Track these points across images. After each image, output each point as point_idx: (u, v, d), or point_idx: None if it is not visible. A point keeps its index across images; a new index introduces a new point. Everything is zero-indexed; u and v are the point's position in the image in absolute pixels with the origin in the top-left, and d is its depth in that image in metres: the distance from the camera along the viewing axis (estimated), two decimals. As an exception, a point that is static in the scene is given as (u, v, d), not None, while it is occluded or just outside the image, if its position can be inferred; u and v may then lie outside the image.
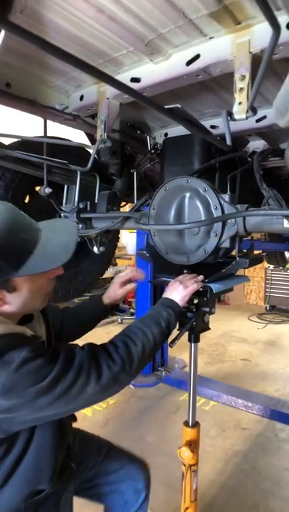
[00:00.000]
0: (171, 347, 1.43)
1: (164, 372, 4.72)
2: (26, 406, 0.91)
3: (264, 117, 1.76)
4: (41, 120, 1.71)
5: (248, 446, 3.27)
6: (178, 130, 2.13)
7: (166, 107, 0.97)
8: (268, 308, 8.48)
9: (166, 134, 2.19)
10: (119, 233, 2.86)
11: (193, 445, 1.64)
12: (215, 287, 1.50)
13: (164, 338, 1.24)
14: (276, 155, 2.20)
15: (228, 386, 4.31)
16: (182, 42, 1.21)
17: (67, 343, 1.12)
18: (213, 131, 1.95)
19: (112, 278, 7.59)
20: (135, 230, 5.12)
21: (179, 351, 5.44)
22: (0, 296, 0.97)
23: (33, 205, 2.22)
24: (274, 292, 8.34)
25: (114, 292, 1.57)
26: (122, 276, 1.59)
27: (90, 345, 1.08)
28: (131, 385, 4.44)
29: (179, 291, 1.36)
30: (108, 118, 1.54)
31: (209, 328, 1.67)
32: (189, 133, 1.98)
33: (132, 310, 7.31)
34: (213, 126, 1.96)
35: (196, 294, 1.45)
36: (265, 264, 8.08)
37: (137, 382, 4.48)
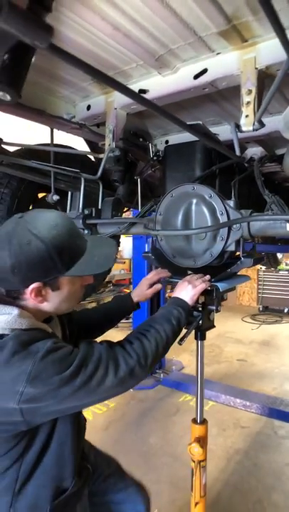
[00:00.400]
0: (180, 344, 1.48)
1: (162, 375, 4.77)
2: (50, 395, 0.94)
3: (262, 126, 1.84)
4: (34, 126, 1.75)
5: (248, 444, 3.34)
6: (178, 138, 2.20)
7: (188, 123, 1.03)
8: (260, 309, 8.61)
9: (166, 142, 2.25)
10: (120, 238, 2.91)
11: (202, 441, 1.70)
12: (221, 286, 1.56)
13: (175, 335, 1.28)
14: (272, 161, 2.28)
15: (226, 386, 4.39)
16: (190, 57, 1.28)
17: (86, 339, 1.16)
18: (214, 139, 2.01)
19: (107, 282, 7.59)
20: (131, 235, 5.19)
21: (176, 353, 5.51)
22: (43, 292, 1.04)
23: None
24: (266, 293, 8.48)
25: (142, 292, 1.64)
26: (150, 278, 1.65)
27: (107, 342, 1.13)
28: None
29: (188, 291, 1.41)
30: (116, 128, 1.60)
31: (214, 326, 1.74)
32: (190, 140, 2.05)
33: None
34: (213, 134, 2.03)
35: (204, 293, 1.52)
36: (257, 265, 8.21)
37: (136, 385, 4.52)
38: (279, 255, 5.90)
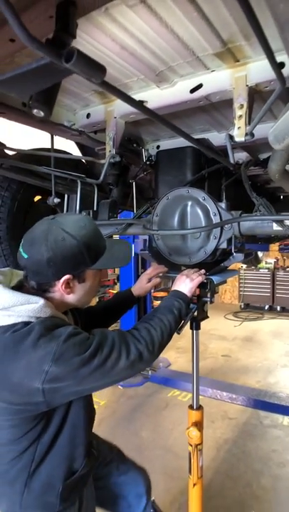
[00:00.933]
0: (178, 333, 1.59)
1: (150, 372, 4.90)
2: (71, 375, 1.04)
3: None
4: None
5: (236, 433, 3.50)
6: (169, 143, 2.33)
7: (195, 137, 1.16)
8: (242, 306, 8.87)
9: (158, 147, 2.38)
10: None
11: (198, 425, 1.83)
12: (215, 279, 1.70)
13: (177, 324, 1.38)
14: (256, 165, 2.45)
15: (212, 381, 4.55)
16: (188, 73, 1.42)
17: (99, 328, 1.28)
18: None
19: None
20: (118, 236, 5.29)
21: (163, 351, 5.63)
22: (72, 284, 1.17)
23: (32, 214, 2.35)
24: (247, 291, 8.74)
25: (142, 286, 1.75)
26: (149, 273, 1.77)
27: (118, 330, 1.23)
28: (120, 386, 4.59)
29: (186, 284, 1.53)
30: (116, 135, 1.72)
31: (208, 317, 1.87)
32: (181, 146, 2.19)
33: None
34: (201, 140, 2.17)
35: (199, 286, 1.65)
36: (239, 264, 8.46)
37: (125, 383, 4.63)
38: (260, 254, 6.12)
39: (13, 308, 1.09)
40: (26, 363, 1.03)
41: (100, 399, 4.24)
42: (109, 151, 1.73)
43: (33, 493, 1.19)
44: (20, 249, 1.15)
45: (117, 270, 8.80)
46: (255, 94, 1.39)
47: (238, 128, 1.35)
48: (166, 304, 1.43)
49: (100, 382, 1.11)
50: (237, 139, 1.36)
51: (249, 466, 3.02)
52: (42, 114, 0.93)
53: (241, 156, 2.40)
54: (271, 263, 8.78)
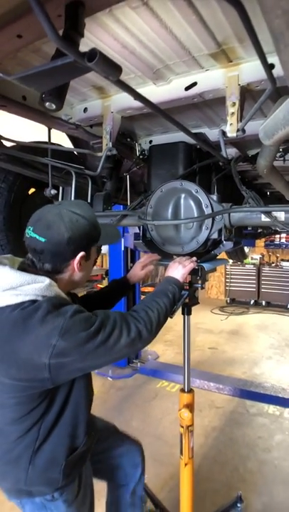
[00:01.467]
0: (171, 318, 1.65)
1: (139, 364, 5.00)
2: (76, 350, 1.10)
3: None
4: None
5: (223, 422, 3.63)
6: (161, 138, 2.40)
7: (192, 131, 1.24)
8: (228, 301, 9.04)
9: (150, 141, 2.45)
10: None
11: (190, 407, 1.92)
12: (206, 266, 1.80)
13: (171, 307, 1.46)
14: (245, 160, 2.55)
15: (200, 372, 4.67)
16: (183, 71, 1.49)
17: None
18: (194, 141, 2.23)
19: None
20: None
21: (151, 344, 5.73)
22: (81, 262, 1.26)
23: (27, 206, 2.40)
24: (233, 286, 8.92)
25: (137, 273, 1.83)
26: (143, 261, 1.85)
27: (118, 311, 1.31)
28: (109, 378, 4.67)
29: (179, 270, 1.60)
30: (113, 129, 1.78)
31: (198, 303, 1.96)
32: (173, 141, 2.27)
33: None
34: (194, 136, 2.25)
35: (191, 272, 1.74)
36: (224, 256, 8.59)
37: (114, 375, 4.72)
38: (246, 249, 6.27)
39: (20, 288, 1.15)
40: (34, 338, 1.09)
41: (90, 390, 4.31)
42: (106, 144, 1.79)
43: (37, 470, 1.25)
44: (34, 235, 1.20)
45: (105, 265, 8.86)
46: (247, 93, 1.47)
47: (230, 124, 1.43)
48: (161, 289, 1.51)
49: (102, 359, 1.18)
50: (229, 135, 1.44)
51: (236, 451, 3.15)
52: (54, 107, 0.99)
53: (231, 151, 2.49)
54: (257, 259, 8.97)
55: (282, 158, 2.47)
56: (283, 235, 8.76)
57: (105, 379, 4.65)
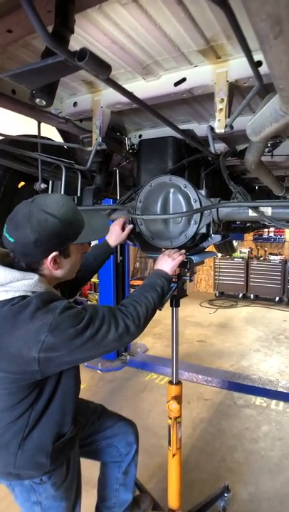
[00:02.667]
0: (160, 310, 1.68)
1: (128, 357, 5.04)
2: (65, 345, 1.12)
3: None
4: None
5: (211, 413, 3.70)
6: (150, 133, 2.41)
7: (180, 127, 1.25)
8: (217, 294, 9.13)
9: (140, 136, 2.46)
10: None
11: (178, 399, 1.96)
12: (194, 258, 1.83)
13: (160, 300, 1.48)
14: (234, 155, 2.57)
15: (188, 364, 4.73)
16: (172, 67, 1.50)
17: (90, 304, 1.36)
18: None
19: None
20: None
21: (140, 337, 5.78)
22: (58, 260, 1.25)
23: (17, 200, 2.39)
24: (222, 280, 9.01)
25: (118, 235, 1.85)
26: (119, 221, 1.87)
27: (107, 306, 1.31)
28: (98, 370, 4.70)
29: (168, 263, 1.62)
30: (102, 124, 1.79)
31: (187, 295, 1.99)
32: (162, 136, 2.28)
33: (89, 302, 7.50)
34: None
35: (180, 265, 1.76)
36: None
37: (103, 368, 4.75)
38: (235, 243, 6.34)
39: (10, 285, 1.17)
40: (24, 333, 1.12)
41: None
42: (96, 139, 1.80)
43: (25, 455, 1.30)
44: (6, 234, 1.21)
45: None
46: (235, 89, 1.49)
47: (219, 120, 1.45)
48: (150, 282, 1.53)
49: (90, 353, 1.20)
50: (217, 131, 1.46)
51: (223, 442, 3.21)
52: (44, 103, 1.00)
53: (220, 146, 2.51)
54: (245, 253, 9.07)
55: (270, 154, 2.51)
56: (271, 229, 8.86)
57: (95, 372, 4.69)
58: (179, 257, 1.66)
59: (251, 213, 1.68)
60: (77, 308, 1.20)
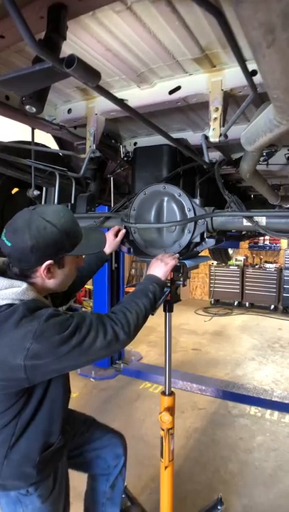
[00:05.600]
0: (152, 315, 1.61)
1: (122, 365, 4.99)
2: (51, 352, 1.11)
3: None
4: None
5: (205, 423, 3.65)
6: (146, 141, 2.41)
7: (175, 136, 1.24)
8: (212, 302, 9.11)
9: (135, 143, 2.45)
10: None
11: (170, 410, 1.93)
12: (188, 263, 1.81)
13: (152, 306, 1.44)
14: (229, 164, 2.57)
15: (182, 373, 4.69)
16: (167, 75, 1.49)
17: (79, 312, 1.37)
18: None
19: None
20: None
21: (135, 345, 5.74)
22: (52, 269, 1.26)
23: (10, 206, 2.37)
24: (217, 287, 8.99)
25: (112, 242, 1.86)
26: (113, 229, 1.88)
27: (96, 312, 1.30)
28: (92, 378, 4.65)
29: (161, 268, 1.59)
30: (97, 131, 1.77)
31: (180, 300, 1.96)
32: (158, 144, 2.27)
33: (83, 309, 7.45)
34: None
35: (174, 270, 1.74)
36: (209, 261, 8.68)
37: (97, 376, 4.70)
38: (230, 251, 6.33)
39: None
40: (9, 341, 1.10)
41: (73, 391, 4.24)
42: (90, 146, 1.78)
43: (11, 465, 1.28)
44: (4, 238, 1.21)
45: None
46: (230, 98, 1.48)
47: (213, 129, 1.44)
48: (141, 288, 1.50)
49: (78, 361, 1.18)
50: (212, 140, 1.45)
51: (217, 453, 3.17)
52: (34, 110, 0.98)
53: (215, 155, 2.51)
54: (241, 260, 9.07)
55: (265, 163, 2.51)
56: (267, 237, 8.88)
57: (88, 380, 4.63)
58: (171, 262, 1.63)
59: (246, 223, 1.67)
60: (64, 316, 1.18)
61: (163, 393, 1.98)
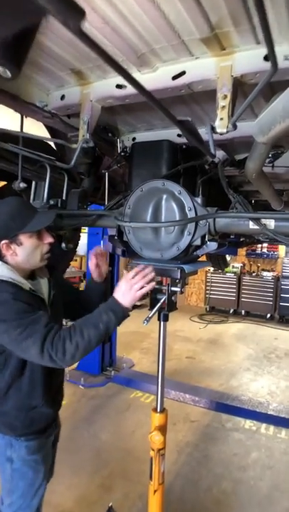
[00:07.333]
0: (145, 324, 1.51)
1: (113, 372, 4.81)
2: None
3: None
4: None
5: (198, 436, 3.48)
6: (145, 135, 2.25)
7: (178, 118, 1.08)
8: (207, 309, 8.96)
9: (134, 139, 2.30)
10: (80, 232, 2.90)
11: (162, 430, 1.76)
12: (187, 268, 1.64)
13: (101, 338, 1.38)
14: (232, 165, 2.43)
15: (175, 382, 4.52)
16: (171, 58, 1.34)
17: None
18: (180, 140, 2.09)
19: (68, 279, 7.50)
20: (86, 230, 5.16)
21: (127, 351, 5.57)
22: (12, 247, 1.46)
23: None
24: (213, 294, 8.84)
25: (98, 272, 1.86)
26: (93, 263, 1.85)
27: (53, 329, 1.35)
28: (80, 386, 4.46)
29: (126, 293, 1.42)
30: (91, 119, 1.62)
31: (177, 308, 1.80)
32: (157, 139, 2.12)
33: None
34: (180, 135, 2.11)
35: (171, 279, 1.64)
36: (206, 267, 8.53)
37: (86, 383, 4.51)
38: (228, 257, 6.19)
39: None
40: None
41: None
42: (83, 135, 1.62)
43: (3, 414, 1.54)
44: None
45: (84, 267, 8.63)
46: (239, 87, 1.33)
47: (221, 119, 1.29)
48: (95, 315, 1.41)
49: (9, 346, 1.38)
50: (219, 130, 1.29)
51: (210, 469, 3.00)
52: (8, 73, 0.82)
53: (218, 154, 2.37)
54: (238, 268, 8.93)
55: (271, 164, 2.37)
56: (265, 245, 8.75)
57: (77, 387, 4.44)
58: (141, 291, 1.43)
59: (252, 226, 1.51)
60: (20, 307, 1.34)
61: (154, 410, 1.81)
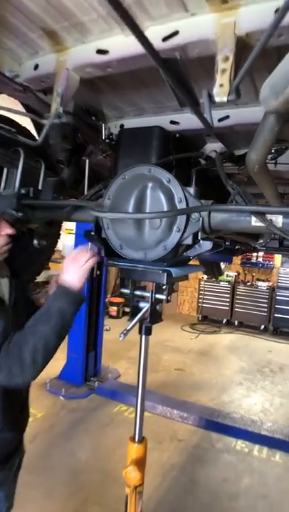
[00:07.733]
0: (121, 338, 1.31)
1: (96, 383, 4.51)
2: None
3: (227, 117, 1.72)
4: None
5: (184, 457, 3.20)
6: (134, 122, 2.01)
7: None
8: (200, 318, 8.70)
9: (122, 126, 2.06)
10: (61, 229, 2.64)
11: (139, 464, 1.48)
12: (174, 271, 1.38)
13: (59, 331, 1.23)
14: (231, 160, 2.20)
15: (163, 396, 4.23)
16: (161, 14, 1.10)
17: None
18: (174, 127, 1.86)
19: (44, 283, 7.16)
20: (74, 231, 4.90)
21: (113, 360, 5.28)
22: None
23: None
24: (206, 303, 8.58)
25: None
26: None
27: (8, 335, 1.20)
28: (61, 397, 4.18)
29: (73, 271, 1.33)
30: (66, 91, 1.37)
31: (162, 320, 1.56)
32: (148, 126, 1.88)
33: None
34: (173, 122, 1.87)
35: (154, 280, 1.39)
36: (199, 275, 8.30)
37: (67, 393, 4.23)
38: (222, 265, 5.95)
39: None
40: None
41: (39, 410, 3.80)
42: (56, 109, 1.37)
43: None
44: None
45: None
46: (243, 51, 1.09)
47: (220, 85, 1.04)
48: (44, 308, 1.28)
49: None
50: (218, 99, 1.05)
51: (197, 498, 2.71)
52: None
53: (216, 146, 2.14)
54: (232, 276, 8.70)
55: (273, 161, 2.15)
56: (260, 254, 8.53)
57: (57, 398, 4.14)
58: (88, 262, 1.35)
59: (254, 222, 1.26)
60: None
61: (132, 439, 1.54)
